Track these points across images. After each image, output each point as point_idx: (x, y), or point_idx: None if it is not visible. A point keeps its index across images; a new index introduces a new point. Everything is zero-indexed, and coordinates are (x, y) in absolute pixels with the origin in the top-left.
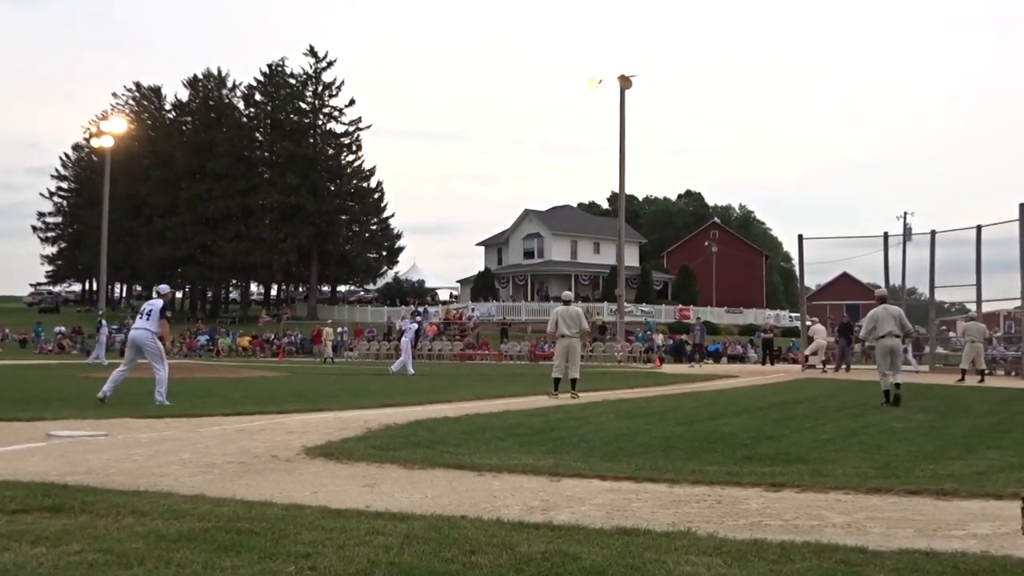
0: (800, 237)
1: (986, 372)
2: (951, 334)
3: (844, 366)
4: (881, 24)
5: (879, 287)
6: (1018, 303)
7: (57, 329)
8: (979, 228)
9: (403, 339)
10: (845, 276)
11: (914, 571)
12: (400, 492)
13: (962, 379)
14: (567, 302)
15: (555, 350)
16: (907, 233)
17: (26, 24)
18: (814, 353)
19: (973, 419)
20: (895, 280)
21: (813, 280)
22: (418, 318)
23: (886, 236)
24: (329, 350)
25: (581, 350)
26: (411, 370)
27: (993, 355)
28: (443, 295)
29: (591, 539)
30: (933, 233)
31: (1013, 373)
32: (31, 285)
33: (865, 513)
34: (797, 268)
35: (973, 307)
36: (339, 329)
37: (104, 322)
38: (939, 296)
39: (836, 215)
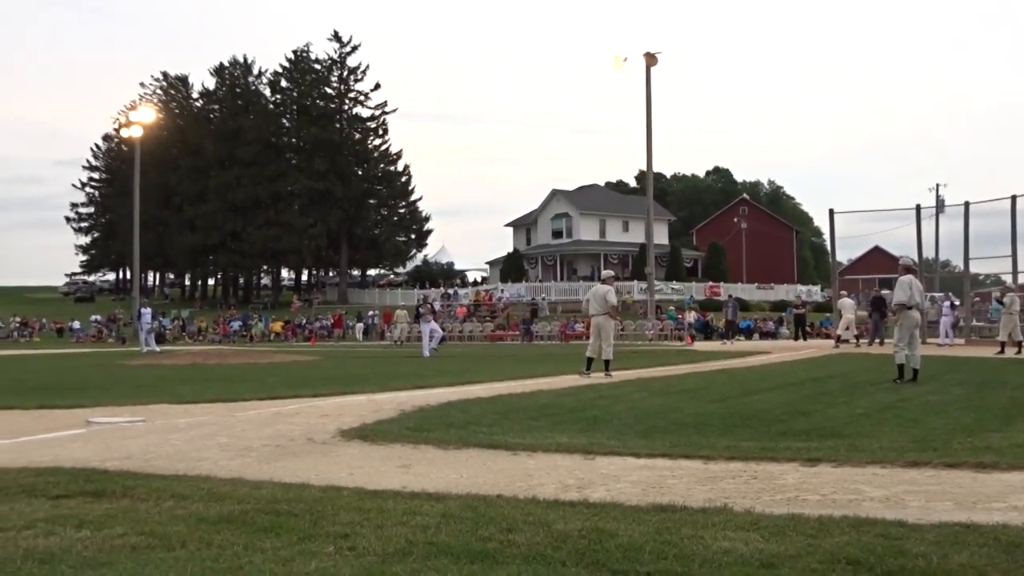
0: (831, 212)
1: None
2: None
3: (878, 340)
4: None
5: (903, 256)
6: None
7: (93, 317)
8: (1014, 198)
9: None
10: (877, 250)
11: (955, 544)
12: (435, 472)
13: (1001, 351)
14: (603, 281)
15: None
16: (940, 205)
17: (51, 18)
18: (846, 328)
19: (1011, 391)
20: (928, 253)
21: (845, 254)
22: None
23: (918, 208)
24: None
25: (612, 328)
26: (425, 352)
27: None
28: (472, 276)
29: (627, 516)
30: (967, 204)
31: None
32: (66, 275)
33: (903, 487)
34: (828, 243)
35: (1009, 278)
36: (370, 312)
37: (144, 311)
38: (974, 268)
39: (867, 188)
